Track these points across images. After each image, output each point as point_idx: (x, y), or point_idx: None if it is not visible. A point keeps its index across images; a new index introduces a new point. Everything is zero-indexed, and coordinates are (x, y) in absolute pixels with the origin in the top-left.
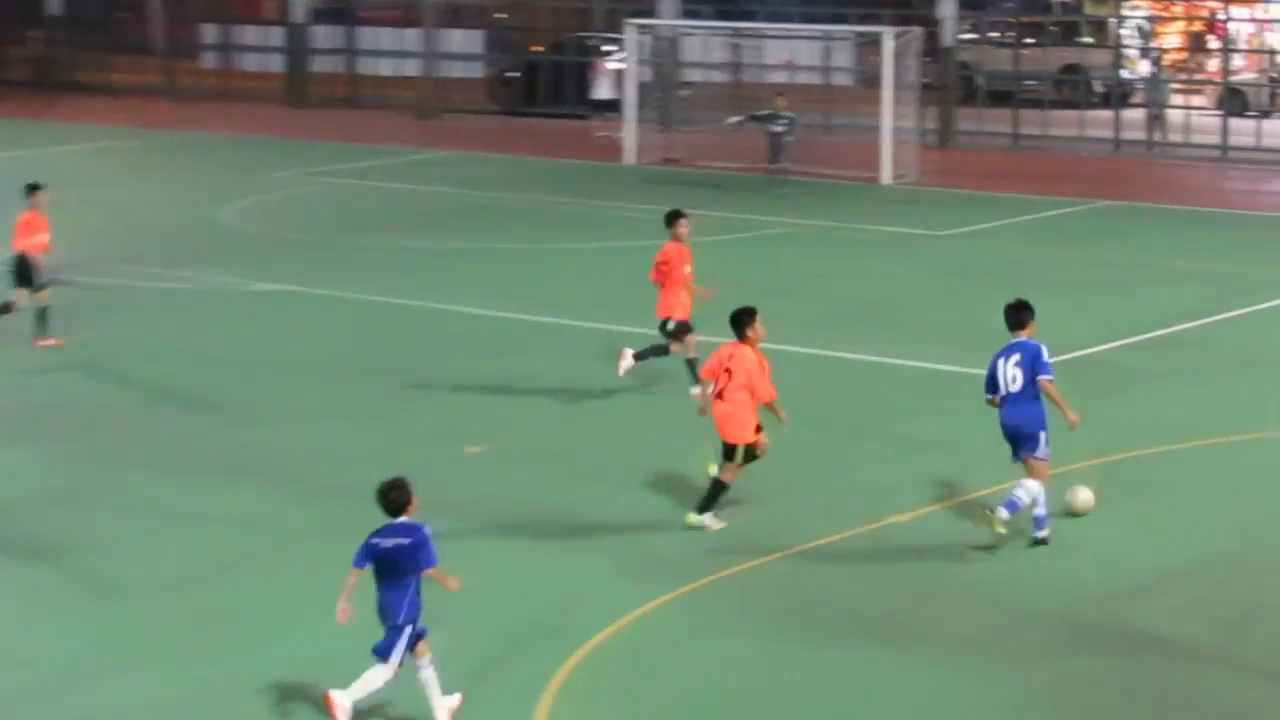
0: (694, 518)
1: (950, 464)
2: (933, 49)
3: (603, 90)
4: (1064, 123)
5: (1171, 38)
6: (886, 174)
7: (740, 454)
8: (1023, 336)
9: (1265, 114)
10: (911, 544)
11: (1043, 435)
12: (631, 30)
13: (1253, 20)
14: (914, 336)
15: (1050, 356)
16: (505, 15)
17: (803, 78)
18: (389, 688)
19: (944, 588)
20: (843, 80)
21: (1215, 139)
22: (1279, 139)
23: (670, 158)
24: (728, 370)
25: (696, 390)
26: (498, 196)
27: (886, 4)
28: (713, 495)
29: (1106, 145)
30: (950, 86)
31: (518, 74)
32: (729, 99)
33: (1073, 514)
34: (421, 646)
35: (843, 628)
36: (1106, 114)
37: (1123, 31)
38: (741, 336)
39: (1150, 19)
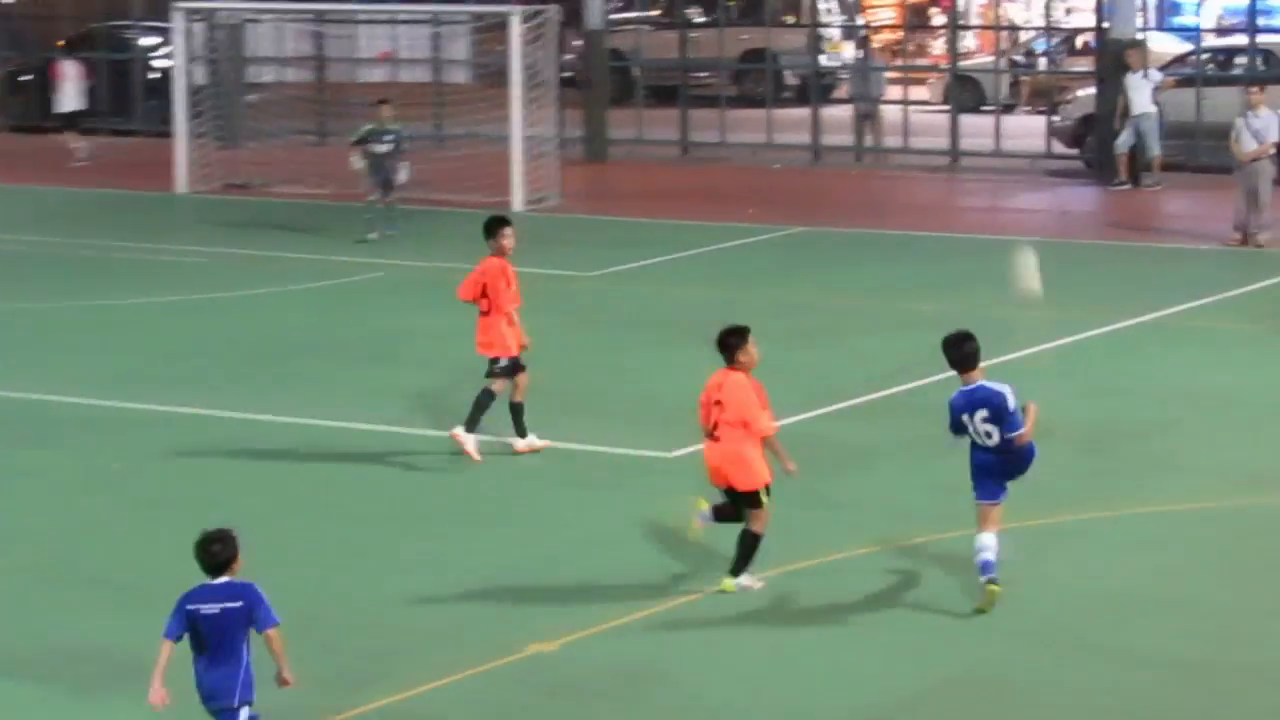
0: (730, 582)
1: (607, 577)
2: (576, 34)
3: (68, 100)
4: (747, 125)
5: (883, 12)
6: (518, 198)
7: (763, 497)
8: (976, 380)
9: (1007, 108)
10: (560, 680)
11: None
12: (180, 17)
13: None
14: (553, 411)
15: (1016, 402)
16: (13, 1)
17: (406, 74)
18: None
19: None
20: (458, 76)
21: (943, 142)
22: (1024, 140)
23: (234, 184)
24: (718, 403)
25: (523, 442)
26: (3, 241)
27: None
28: (747, 552)
29: (803, 154)
30: (600, 82)
31: (31, 77)
32: (312, 105)
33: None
34: None
35: None
36: (802, 113)
37: (821, 6)
38: (732, 362)
39: None
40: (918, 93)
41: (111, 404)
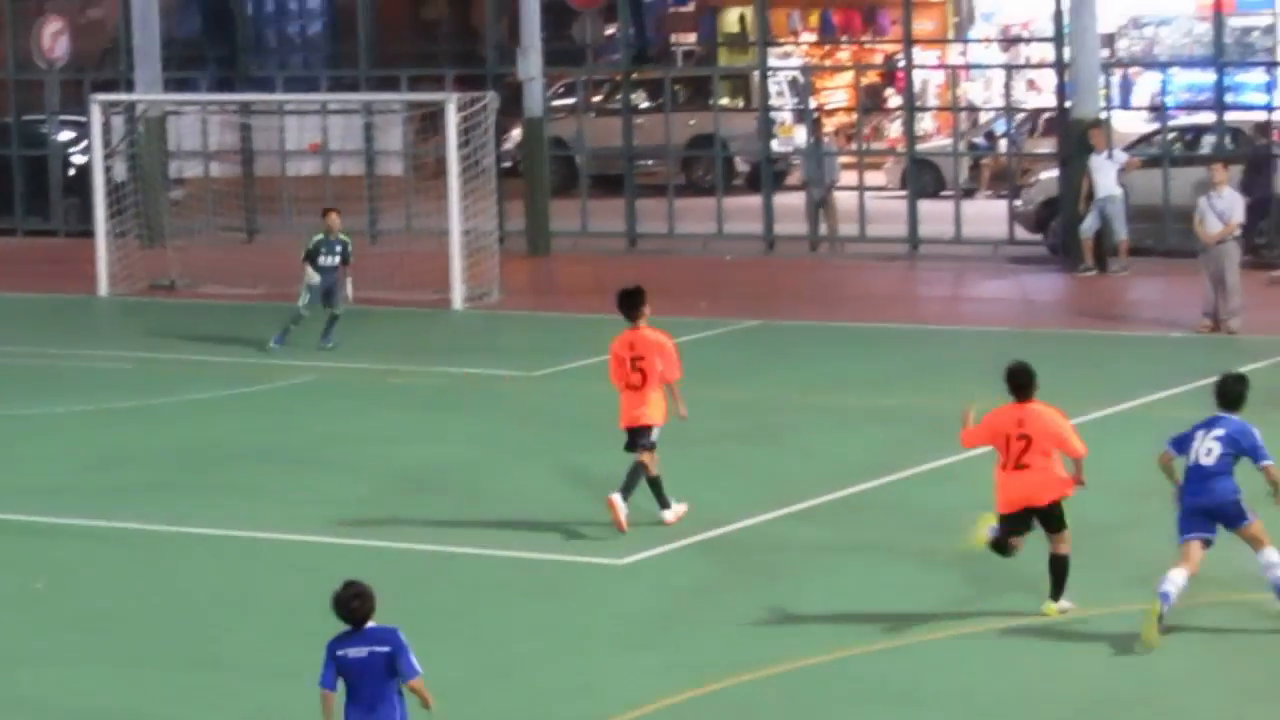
0: (1052, 606)
1: (557, 690)
2: (514, 121)
3: None
4: (697, 215)
5: (836, 94)
6: (458, 294)
7: (1061, 513)
8: (1232, 416)
9: (967, 192)
10: None
11: (1241, 500)
12: (97, 110)
13: (944, 67)
14: (495, 517)
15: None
16: None
17: (338, 167)
18: None
19: None
20: (393, 168)
21: (901, 229)
22: (986, 226)
23: (159, 284)
24: (1023, 438)
25: (669, 514)
26: None
27: (446, 60)
28: (1061, 576)
29: (755, 244)
30: (541, 171)
31: None
32: (238, 199)
33: None
34: None
35: None
36: (754, 201)
37: (771, 88)
38: (1029, 396)
39: (806, 70)
40: (874, 178)
41: (33, 518)
